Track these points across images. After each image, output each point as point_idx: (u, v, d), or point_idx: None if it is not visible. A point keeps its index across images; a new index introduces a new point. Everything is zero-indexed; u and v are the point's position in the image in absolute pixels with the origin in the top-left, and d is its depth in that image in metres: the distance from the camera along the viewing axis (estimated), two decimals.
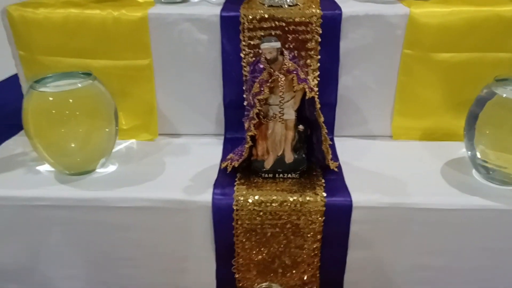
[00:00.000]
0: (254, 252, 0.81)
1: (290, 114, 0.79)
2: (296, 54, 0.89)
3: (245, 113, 0.81)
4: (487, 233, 0.78)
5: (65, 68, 0.86)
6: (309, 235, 0.79)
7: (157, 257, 0.83)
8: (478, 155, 0.79)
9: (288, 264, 0.82)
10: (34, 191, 0.80)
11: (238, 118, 0.86)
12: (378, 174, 0.84)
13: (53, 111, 0.79)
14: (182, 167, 0.86)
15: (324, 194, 0.78)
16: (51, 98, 0.78)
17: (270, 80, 0.75)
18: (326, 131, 0.77)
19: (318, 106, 0.76)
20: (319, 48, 0.90)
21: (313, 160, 0.84)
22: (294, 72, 0.74)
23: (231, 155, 0.84)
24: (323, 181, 0.81)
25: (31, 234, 0.82)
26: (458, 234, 0.78)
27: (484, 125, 0.77)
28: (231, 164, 0.81)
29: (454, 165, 0.86)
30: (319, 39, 0.89)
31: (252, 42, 0.90)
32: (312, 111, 0.78)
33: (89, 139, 0.81)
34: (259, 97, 0.75)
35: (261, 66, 0.76)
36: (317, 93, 0.78)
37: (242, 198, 0.78)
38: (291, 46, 0.89)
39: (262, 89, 0.75)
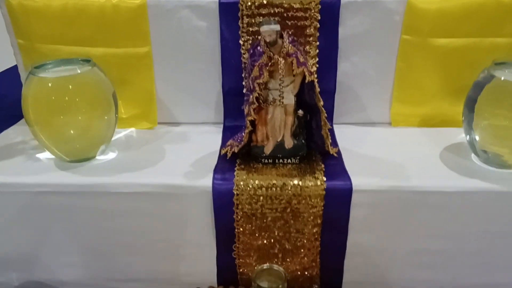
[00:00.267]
0: (254, 236, 0.81)
1: (290, 99, 0.79)
2: (295, 38, 0.89)
3: (245, 98, 0.81)
4: (487, 216, 0.78)
5: (64, 56, 0.86)
6: (309, 219, 0.79)
7: (157, 243, 0.83)
8: (477, 138, 0.79)
9: (288, 248, 0.82)
10: (34, 178, 0.80)
11: (237, 105, 0.86)
12: (377, 159, 0.84)
13: (53, 97, 0.78)
14: (182, 154, 0.87)
15: (324, 178, 0.78)
16: (50, 84, 0.78)
17: (269, 64, 0.75)
18: (325, 115, 0.77)
19: (318, 89, 0.76)
20: (318, 34, 0.90)
21: (313, 146, 0.84)
22: (294, 55, 0.74)
23: (230, 141, 0.84)
24: (322, 166, 0.81)
25: (32, 221, 0.82)
26: (458, 217, 0.78)
27: (483, 108, 0.77)
28: (231, 150, 0.81)
29: (453, 149, 0.87)
30: (318, 25, 0.89)
31: (251, 29, 0.90)
32: (312, 96, 0.77)
33: (89, 126, 0.81)
34: (258, 81, 0.75)
35: (261, 49, 0.76)
36: (317, 78, 0.78)
37: (242, 183, 0.78)
38: (290, 32, 0.89)
39: (261, 72, 0.75)
